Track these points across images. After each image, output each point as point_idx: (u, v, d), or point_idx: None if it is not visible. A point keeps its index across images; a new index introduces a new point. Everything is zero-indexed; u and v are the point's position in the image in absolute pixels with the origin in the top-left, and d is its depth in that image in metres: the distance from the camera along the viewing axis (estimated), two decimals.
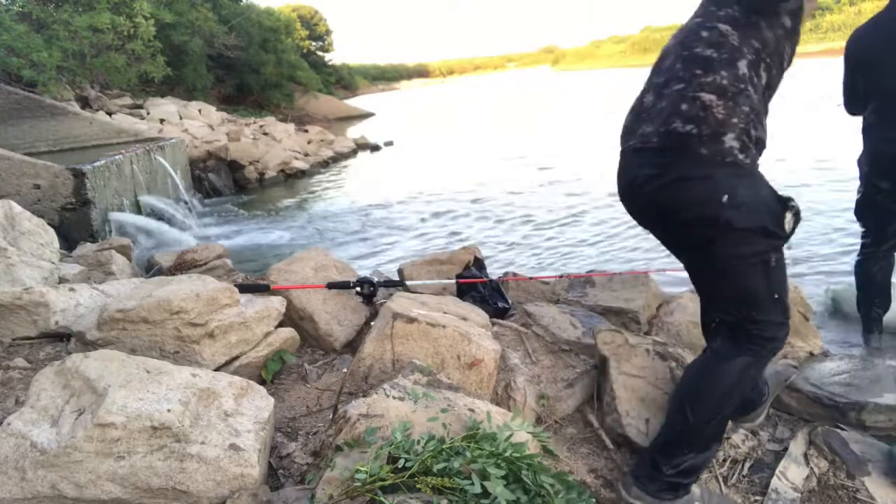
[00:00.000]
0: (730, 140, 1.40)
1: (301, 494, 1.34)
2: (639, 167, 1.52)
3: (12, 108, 7.84)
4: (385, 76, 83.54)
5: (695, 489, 1.60)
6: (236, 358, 2.08)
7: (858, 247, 2.70)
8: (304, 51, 34.78)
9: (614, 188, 1.69)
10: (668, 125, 1.45)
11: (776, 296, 1.48)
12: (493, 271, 3.72)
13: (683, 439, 1.55)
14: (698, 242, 1.48)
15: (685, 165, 1.42)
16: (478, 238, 6.66)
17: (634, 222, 1.66)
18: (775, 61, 1.49)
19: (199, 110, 15.60)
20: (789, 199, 1.44)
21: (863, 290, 2.69)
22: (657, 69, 1.61)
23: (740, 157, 1.40)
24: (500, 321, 2.44)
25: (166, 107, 14.27)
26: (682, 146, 1.42)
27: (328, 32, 42.06)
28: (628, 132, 1.61)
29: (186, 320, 1.97)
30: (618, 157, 1.65)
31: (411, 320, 1.95)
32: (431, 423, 1.39)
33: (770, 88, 1.51)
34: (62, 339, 2.33)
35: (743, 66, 1.44)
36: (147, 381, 1.44)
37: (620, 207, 1.69)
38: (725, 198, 1.38)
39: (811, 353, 2.38)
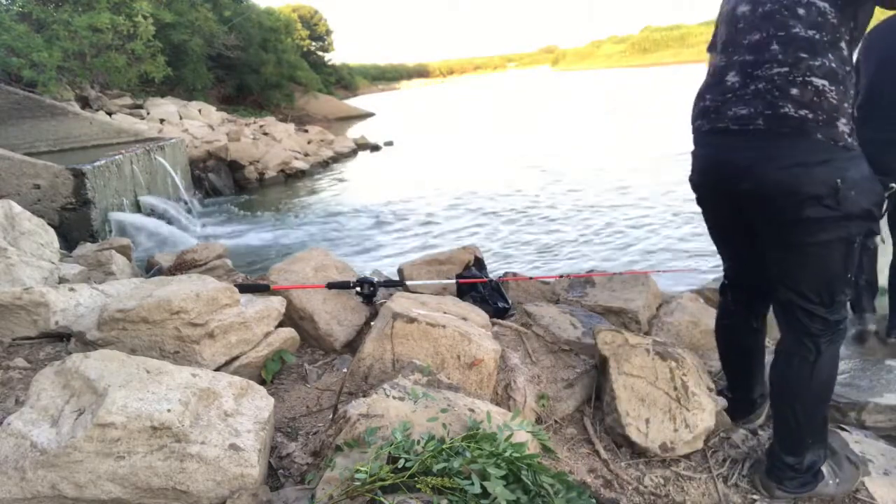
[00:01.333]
0: (842, 125, 1.40)
1: (301, 494, 1.34)
2: (738, 150, 1.48)
3: (12, 108, 7.84)
4: (385, 76, 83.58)
5: (823, 468, 1.68)
6: (236, 358, 2.08)
7: None
8: (304, 51, 34.79)
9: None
10: (776, 109, 1.42)
11: (850, 276, 1.53)
12: (493, 271, 3.72)
13: (803, 432, 1.63)
14: (797, 227, 1.45)
15: (803, 149, 1.40)
16: (478, 238, 6.67)
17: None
18: (857, 38, 1.47)
19: (199, 110, 15.61)
20: (889, 184, 1.47)
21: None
22: (735, 42, 1.53)
23: (849, 140, 1.41)
24: (500, 321, 2.44)
25: (166, 107, 14.27)
26: (798, 131, 1.40)
27: (328, 32, 42.10)
28: (712, 112, 1.56)
29: (186, 320, 1.97)
30: (696, 137, 1.64)
31: (411, 320, 1.95)
32: (431, 423, 1.39)
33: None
34: (62, 339, 2.33)
35: (844, 47, 1.43)
36: (147, 381, 1.44)
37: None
38: (839, 181, 1.37)
39: None
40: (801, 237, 1.46)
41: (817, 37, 1.41)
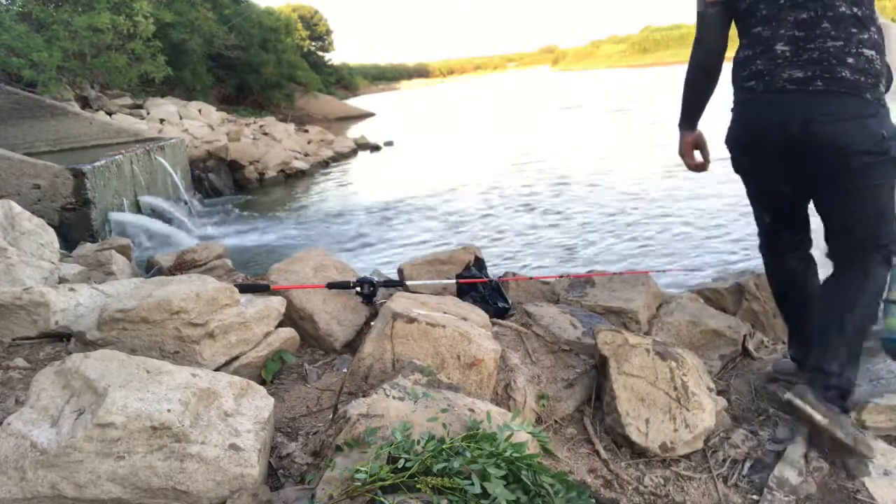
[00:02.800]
0: (881, 86, 1.65)
1: (301, 494, 1.34)
2: (798, 106, 1.65)
3: (12, 108, 7.84)
4: (385, 76, 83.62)
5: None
6: (236, 358, 2.08)
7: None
8: (304, 51, 34.80)
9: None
10: (835, 73, 1.62)
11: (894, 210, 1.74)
12: (494, 271, 3.72)
13: (845, 346, 1.74)
14: (851, 173, 1.64)
15: (856, 106, 1.62)
16: (478, 238, 6.67)
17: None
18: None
19: (199, 110, 15.61)
20: None
21: None
22: (780, 18, 1.67)
23: (884, 98, 1.66)
24: (500, 321, 2.44)
25: (166, 107, 14.27)
26: (852, 91, 1.61)
27: (328, 32, 42.15)
28: (766, 75, 1.70)
29: (186, 320, 1.97)
30: (748, 97, 1.77)
31: (411, 320, 1.95)
32: (431, 423, 1.39)
33: None
34: (62, 339, 2.33)
35: (878, 16, 1.66)
36: (147, 381, 1.44)
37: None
38: (885, 132, 1.61)
39: None
40: (854, 182, 1.65)
41: (860, 13, 1.62)
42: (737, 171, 1.94)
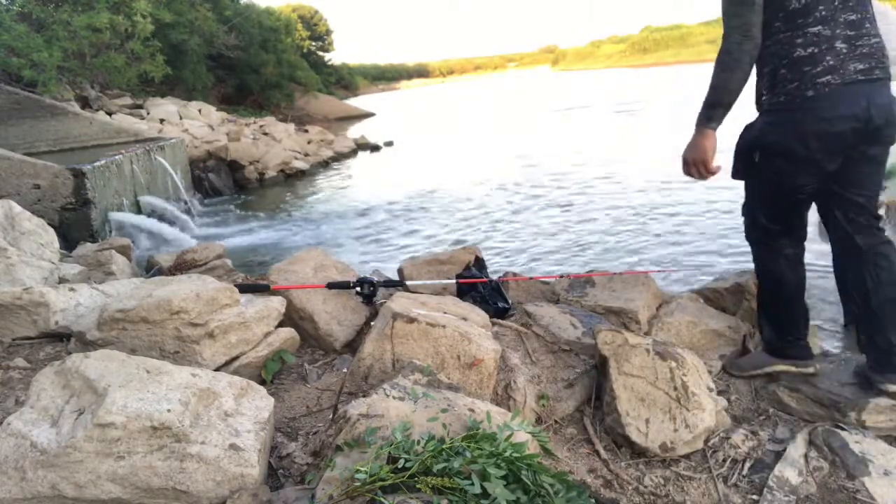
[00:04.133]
0: None
1: (301, 494, 1.34)
2: (869, 93, 1.88)
3: (12, 108, 7.84)
4: (385, 76, 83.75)
5: None
6: (236, 358, 2.08)
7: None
8: (304, 51, 34.82)
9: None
10: (883, 64, 1.92)
11: None
12: (494, 271, 3.72)
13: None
14: (887, 147, 1.95)
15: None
16: (478, 238, 6.66)
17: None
18: None
19: (199, 110, 15.60)
20: None
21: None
22: (834, 19, 1.88)
23: None
24: (500, 321, 2.44)
25: (166, 107, 14.27)
26: (891, 78, 1.92)
27: (328, 32, 42.18)
28: (839, 69, 1.88)
29: (186, 320, 1.97)
30: (823, 92, 1.88)
31: (411, 320, 1.95)
32: (431, 423, 1.39)
33: None
34: (62, 339, 2.33)
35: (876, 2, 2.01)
36: (147, 381, 1.44)
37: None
38: None
39: None
40: (884, 155, 1.96)
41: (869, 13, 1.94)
42: (773, 169, 1.98)
